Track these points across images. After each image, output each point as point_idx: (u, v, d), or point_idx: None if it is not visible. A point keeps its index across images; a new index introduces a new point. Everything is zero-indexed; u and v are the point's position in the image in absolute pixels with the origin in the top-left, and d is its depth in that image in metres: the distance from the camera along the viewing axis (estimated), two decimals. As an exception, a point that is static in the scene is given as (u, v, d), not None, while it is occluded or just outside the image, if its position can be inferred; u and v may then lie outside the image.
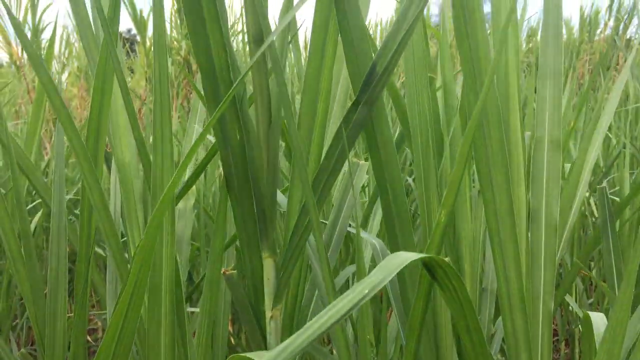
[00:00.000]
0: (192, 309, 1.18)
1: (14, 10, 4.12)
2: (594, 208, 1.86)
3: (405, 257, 0.43)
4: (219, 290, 0.70)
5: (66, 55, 4.84)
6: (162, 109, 0.68)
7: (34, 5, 4.29)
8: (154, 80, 0.68)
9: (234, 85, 0.52)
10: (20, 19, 4.20)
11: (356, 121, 0.61)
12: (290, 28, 0.71)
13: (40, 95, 1.35)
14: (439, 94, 1.13)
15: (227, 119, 0.62)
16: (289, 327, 0.77)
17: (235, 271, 0.66)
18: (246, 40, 0.76)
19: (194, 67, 4.58)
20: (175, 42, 4.47)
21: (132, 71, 4.84)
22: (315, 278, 0.78)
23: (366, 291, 0.41)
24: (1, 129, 0.84)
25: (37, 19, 4.34)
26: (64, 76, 4.80)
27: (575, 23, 5.39)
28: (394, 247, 0.69)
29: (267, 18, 0.60)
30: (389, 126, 0.64)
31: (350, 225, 0.93)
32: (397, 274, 0.43)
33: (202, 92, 0.65)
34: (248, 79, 0.94)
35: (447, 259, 0.47)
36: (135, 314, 0.56)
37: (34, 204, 1.73)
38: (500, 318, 1.04)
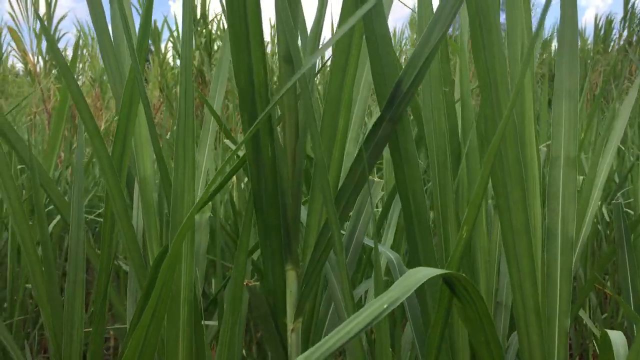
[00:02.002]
0: (208, 322, 1.19)
1: (30, 22, 4.18)
2: (607, 218, 1.85)
3: (426, 273, 0.44)
4: (241, 304, 0.71)
5: (81, 66, 4.90)
6: (186, 133, 0.69)
7: (49, 17, 4.34)
8: (179, 106, 0.70)
9: (272, 103, 0.53)
10: (38, 29, 4.26)
11: (380, 137, 0.62)
12: (317, 46, 0.73)
13: (62, 108, 1.37)
14: (457, 106, 1.14)
15: (261, 136, 0.64)
16: (306, 339, 0.78)
17: (257, 283, 0.67)
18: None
19: (207, 77, 4.62)
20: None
21: (146, 81, 4.89)
22: (332, 291, 0.78)
23: (385, 305, 0.42)
24: (24, 148, 0.86)
25: (52, 29, 4.39)
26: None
27: (590, 34, 5.39)
28: (414, 261, 0.70)
29: (296, 39, 0.61)
30: (413, 142, 0.65)
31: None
32: (416, 288, 0.44)
33: (239, 109, 0.66)
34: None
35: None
36: (158, 328, 0.57)
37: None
38: (513, 333, 1.04)
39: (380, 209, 1.48)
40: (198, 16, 4.72)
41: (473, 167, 0.94)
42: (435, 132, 0.79)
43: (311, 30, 0.72)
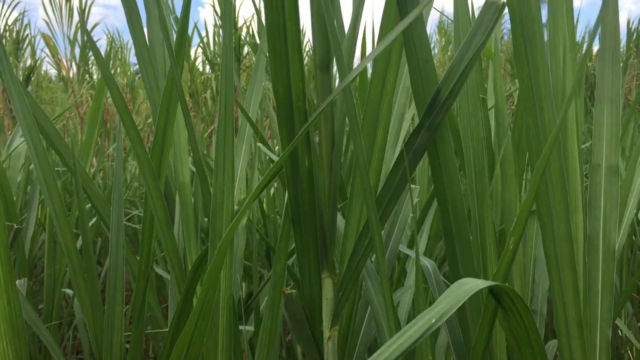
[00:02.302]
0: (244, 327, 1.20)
1: (65, 29, 4.28)
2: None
3: (474, 285, 0.44)
4: (279, 310, 0.72)
5: (112, 72, 4.98)
6: (226, 141, 0.70)
7: (83, 25, 4.44)
8: (218, 117, 0.71)
9: (314, 115, 0.54)
10: (72, 36, 4.36)
11: (419, 145, 0.62)
12: (353, 53, 0.73)
13: (95, 115, 1.40)
14: (491, 113, 1.14)
15: (299, 146, 0.64)
16: (343, 347, 0.78)
17: (294, 291, 0.68)
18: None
19: (235, 83, 4.66)
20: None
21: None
22: (369, 298, 0.79)
23: (433, 320, 0.42)
24: (68, 153, 0.88)
25: (85, 36, 4.48)
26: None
27: (623, 37, 5.30)
28: (454, 270, 0.70)
29: (340, 49, 0.62)
30: (452, 150, 0.65)
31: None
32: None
33: (276, 119, 0.66)
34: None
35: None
36: (201, 335, 0.58)
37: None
38: (549, 342, 1.03)
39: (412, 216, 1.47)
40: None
41: (508, 174, 0.94)
42: (473, 140, 0.79)
43: (347, 36, 0.72)
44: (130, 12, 0.92)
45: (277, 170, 0.69)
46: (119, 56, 5.06)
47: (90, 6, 4.33)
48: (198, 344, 0.59)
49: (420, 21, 0.62)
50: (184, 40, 0.82)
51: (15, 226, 1.13)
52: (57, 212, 0.84)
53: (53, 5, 4.26)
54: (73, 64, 4.38)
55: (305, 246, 0.69)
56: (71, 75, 4.34)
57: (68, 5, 4.33)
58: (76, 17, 4.40)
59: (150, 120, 4.06)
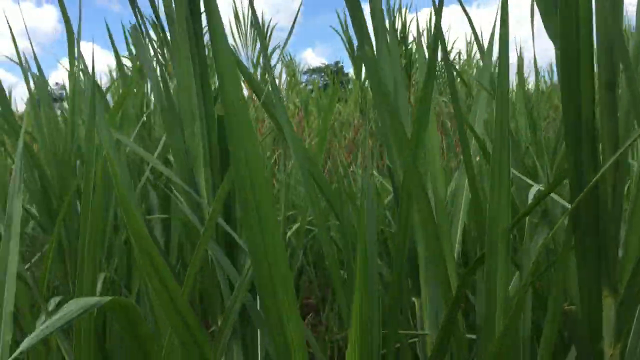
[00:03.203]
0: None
1: (249, 52, 4.66)
2: None
3: None
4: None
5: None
6: (502, 157, 0.73)
7: (265, 48, 4.81)
8: (494, 133, 0.73)
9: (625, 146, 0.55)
10: (254, 60, 4.73)
11: None
12: None
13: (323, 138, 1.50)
14: None
15: (584, 162, 0.66)
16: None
17: (573, 306, 0.69)
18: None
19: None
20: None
21: (345, 101, 5.14)
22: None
23: None
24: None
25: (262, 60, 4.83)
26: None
27: None
28: None
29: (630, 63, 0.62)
30: None
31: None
32: None
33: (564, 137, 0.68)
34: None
35: None
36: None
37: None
38: None
39: None
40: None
41: None
42: None
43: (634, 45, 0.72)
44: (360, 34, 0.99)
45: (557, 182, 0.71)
46: (294, 79, 5.36)
47: (272, 32, 4.66)
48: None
49: None
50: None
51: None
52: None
53: (239, 31, 4.65)
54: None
55: (587, 263, 0.69)
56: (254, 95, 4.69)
57: (253, 31, 4.70)
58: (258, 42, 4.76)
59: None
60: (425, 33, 5.10)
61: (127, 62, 2.89)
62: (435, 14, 0.80)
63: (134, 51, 4.92)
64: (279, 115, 0.88)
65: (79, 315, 0.52)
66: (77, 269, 0.82)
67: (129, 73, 2.97)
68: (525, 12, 1.35)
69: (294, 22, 1.38)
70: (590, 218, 0.69)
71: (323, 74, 5.75)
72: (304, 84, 5.53)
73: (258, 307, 0.98)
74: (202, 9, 1.06)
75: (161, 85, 1.01)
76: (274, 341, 0.63)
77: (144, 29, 1.18)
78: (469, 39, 6.22)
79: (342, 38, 4.77)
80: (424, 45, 1.27)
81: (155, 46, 1.20)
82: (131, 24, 1.22)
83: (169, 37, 1.04)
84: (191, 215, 0.95)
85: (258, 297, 0.97)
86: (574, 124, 0.66)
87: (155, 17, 1.11)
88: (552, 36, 0.71)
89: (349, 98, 5.05)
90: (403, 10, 4.95)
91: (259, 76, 4.76)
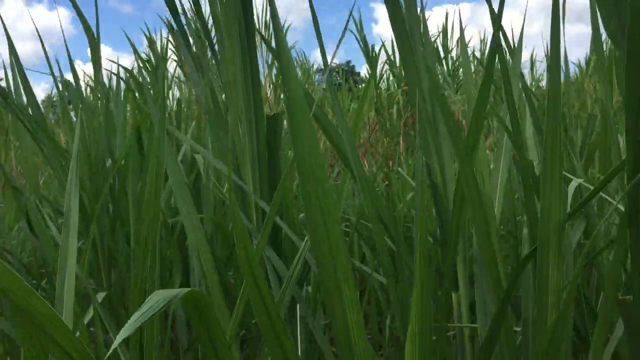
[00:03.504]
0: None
1: (264, 54, 4.68)
2: None
3: None
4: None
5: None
6: (553, 157, 0.75)
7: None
8: (545, 134, 0.75)
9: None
10: (269, 60, 4.76)
11: None
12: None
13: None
14: None
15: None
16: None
17: (629, 297, 0.71)
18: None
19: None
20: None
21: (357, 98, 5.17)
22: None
23: None
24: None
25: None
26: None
27: None
28: None
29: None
30: None
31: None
32: None
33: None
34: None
35: None
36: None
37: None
38: None
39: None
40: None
41: None
42: None
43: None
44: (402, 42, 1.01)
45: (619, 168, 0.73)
46: (307, 79, 5.39)
47: (286, 32, 4.68)
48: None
49: None
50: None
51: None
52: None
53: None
54: (270, 85, 4.76)
55: (641, 254, 0.71)
56: (270, 95, 4.70)
57: (267, 31, 4.72)
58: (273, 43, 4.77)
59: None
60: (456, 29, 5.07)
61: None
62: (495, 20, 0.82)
63: (149, 53, 4.92)
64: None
65: (165, 305, 0.55)
66: (134, 265, 0.84)
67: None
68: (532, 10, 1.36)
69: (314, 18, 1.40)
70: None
71: (335, 73, 5.76)
72: (317, 84, 5.54)
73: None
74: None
75: (208, 91, 1.04)
76: (336, 326, 0.67)
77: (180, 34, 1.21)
78: (482, 37, 6.21)
79: (356, 37, 4.78)
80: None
81: (196, 50, 1.23)
82: (147, 27, 1.24)
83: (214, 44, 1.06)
84: (244, 220, 0.98)
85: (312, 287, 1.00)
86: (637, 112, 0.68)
87: (199, 19, 1.13)
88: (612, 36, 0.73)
89: (362, 97, 5.08)
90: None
91: (273, 77, 4.79)
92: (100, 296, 1.23)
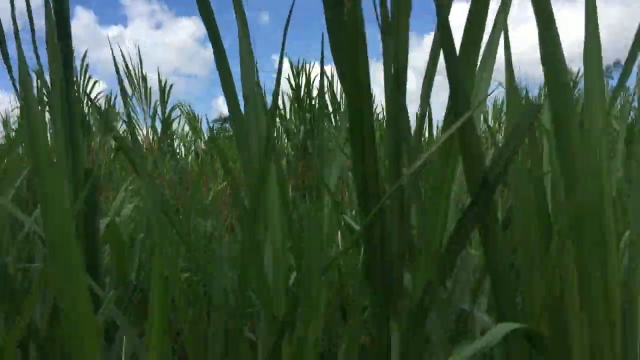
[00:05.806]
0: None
1: (144, 107, 4.71)
2: None
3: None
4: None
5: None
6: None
7: (164, 102, 4.87)
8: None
9: (384, 198, 0.69)
10: (151, 112, 4.78)
11: (471, 218, 0.76)
12: None
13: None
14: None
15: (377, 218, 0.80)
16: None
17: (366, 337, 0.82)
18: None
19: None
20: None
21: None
22: (432, 350, 0.91)
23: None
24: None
25: (166, 112, 4.89)
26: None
27: None
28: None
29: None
30: (499, 224, 0.79)
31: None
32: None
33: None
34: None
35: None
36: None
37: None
38: None
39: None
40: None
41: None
42: (523, 212, 0.90)
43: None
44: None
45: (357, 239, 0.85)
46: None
47: (169, 91, 4.73)
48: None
49: (472, 124, 0.77)
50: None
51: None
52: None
53: (133, 88, 4.68)
54: (153, 135, 4.77)
55: (377, 299, 0.83)
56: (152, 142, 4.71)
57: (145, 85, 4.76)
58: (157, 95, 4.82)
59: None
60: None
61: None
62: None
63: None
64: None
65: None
66: None
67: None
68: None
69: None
70: (379, 264, 0.83)
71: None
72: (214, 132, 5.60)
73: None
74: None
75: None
76: None
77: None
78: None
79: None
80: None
81: None
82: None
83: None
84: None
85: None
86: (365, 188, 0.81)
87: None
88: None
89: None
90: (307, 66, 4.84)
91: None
92: None
